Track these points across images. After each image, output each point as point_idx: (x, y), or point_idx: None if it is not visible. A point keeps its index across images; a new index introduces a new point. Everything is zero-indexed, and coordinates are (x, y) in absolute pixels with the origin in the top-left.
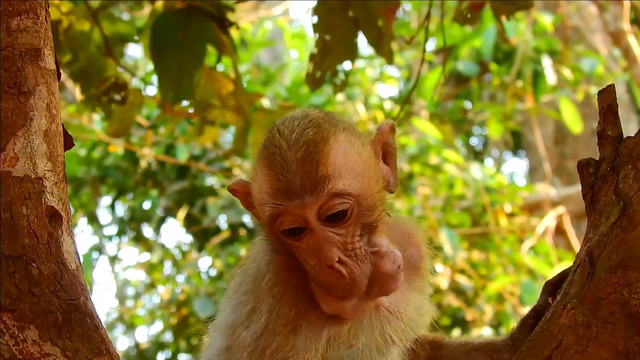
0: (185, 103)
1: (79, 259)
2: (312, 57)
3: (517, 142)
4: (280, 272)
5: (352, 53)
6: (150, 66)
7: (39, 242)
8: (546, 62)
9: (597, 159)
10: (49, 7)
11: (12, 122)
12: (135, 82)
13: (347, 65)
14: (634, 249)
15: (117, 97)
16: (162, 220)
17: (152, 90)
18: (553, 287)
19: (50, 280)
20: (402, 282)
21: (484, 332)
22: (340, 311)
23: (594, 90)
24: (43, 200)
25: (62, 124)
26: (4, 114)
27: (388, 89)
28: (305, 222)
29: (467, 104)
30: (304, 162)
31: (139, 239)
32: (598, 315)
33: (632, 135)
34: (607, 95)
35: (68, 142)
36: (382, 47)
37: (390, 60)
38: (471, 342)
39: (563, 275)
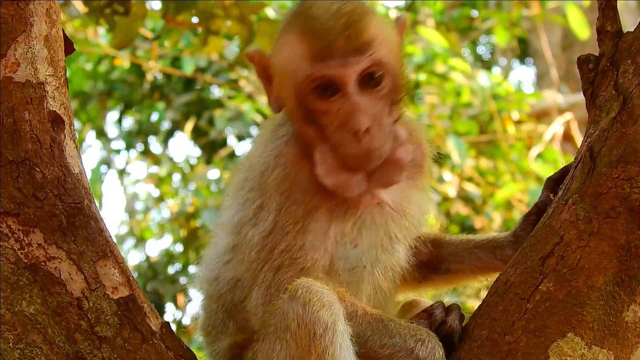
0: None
1: (81, 162)
2: None
3: (524, 50)
4: (289, 165)
5: None
6: None
7: (41, 146)
8: None
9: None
10: None
11: (12, 27)
12: None
13: None
14: (634, 143)
15: (121, 9)
16: (169, 133)
17: (156, 4)
18: (554, 183)
19: (53, 184)
20: (402, 178)
21: None
22: (345, 185)
23: None
24: (45, 105)
25: (63, 29)
26: (3, 20)
27: None
28: (341, 84)
29: (474, 12)
30: (348, 27)
31: (147, 153)
32: (599, 209)
33: (633, 30)
34: None
35: (69, 47)
36: None
37: None
38: (473, 240)
39: (564, 171)
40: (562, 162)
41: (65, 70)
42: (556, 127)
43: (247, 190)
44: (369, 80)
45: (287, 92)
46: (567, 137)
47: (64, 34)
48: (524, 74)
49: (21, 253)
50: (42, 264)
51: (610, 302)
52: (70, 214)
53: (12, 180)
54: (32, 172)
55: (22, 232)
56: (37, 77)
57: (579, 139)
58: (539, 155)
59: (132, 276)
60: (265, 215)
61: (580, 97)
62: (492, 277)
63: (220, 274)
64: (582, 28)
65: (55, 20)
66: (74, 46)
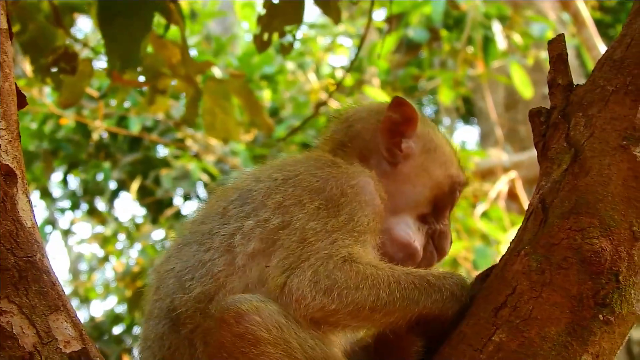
0: (134, 71)
1: (34, 216)
2: (259, 19)
3: (468, 109)
4: (371, 182)
5: (299, 15)
6: (100, 37)
7: None
8: (496, 27)
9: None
10: None
11: None
12: (85, 53)
13: (294, 30)
14: (585, 195)
15: (67, 67)
16: (115, 192)
17: (103, 63)
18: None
19: (5, 238)
20: None
21: None
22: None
23: (543, 55)
24: None
25: (15, 83)
26: None
27: (340, 59)
28: (452, 206)
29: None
30: None
31: (92, 212)
32: (551, 260)
33: (583, 83)
34: (557, 45)
35: (21, 101)
36: (329, 6)
37: (337, 20)
38: None
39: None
40: (507, 220)
41: (18, 123)
42: (501, 185)
43: (290, 194)
44: None
45: (431, 170)
46: (512, 195)
47: (17, 88)
48: (467, 134)
49: None
50: None
51: (563, 353)
52: (22, 268)
53: None
54: None
55: None
56: None
57: (523, 197)
58: (484, 214)
59: (85, 330)
60: (332, 212)
61: (524, 156)
62: None
63: (222, 289)
64: (526, 87)
65: (8, 74)
66: (26, 100)
